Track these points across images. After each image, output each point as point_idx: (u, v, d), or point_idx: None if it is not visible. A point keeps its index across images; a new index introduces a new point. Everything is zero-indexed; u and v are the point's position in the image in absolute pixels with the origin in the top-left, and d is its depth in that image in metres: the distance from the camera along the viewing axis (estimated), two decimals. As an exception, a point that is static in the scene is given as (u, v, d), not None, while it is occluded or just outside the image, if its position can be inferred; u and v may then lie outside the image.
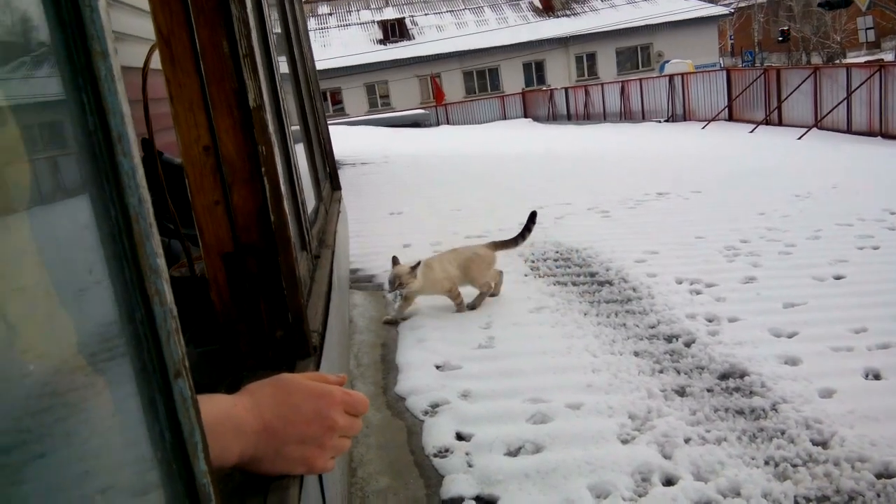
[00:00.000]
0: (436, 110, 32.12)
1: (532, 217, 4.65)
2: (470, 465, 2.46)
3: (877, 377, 3.02)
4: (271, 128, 1.69)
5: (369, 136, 21.93)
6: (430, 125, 29.70)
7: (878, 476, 2.29)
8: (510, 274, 5.08)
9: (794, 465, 2.37)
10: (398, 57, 35.65)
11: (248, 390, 0.96)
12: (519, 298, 4.46)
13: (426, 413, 2.92)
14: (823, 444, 2.49)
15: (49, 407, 0.62)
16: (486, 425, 2.73)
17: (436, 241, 6.31)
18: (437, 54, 35.30)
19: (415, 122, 28.67)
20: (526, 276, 5.02)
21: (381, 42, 37.08)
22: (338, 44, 36.07)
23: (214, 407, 0.88)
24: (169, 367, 0.69)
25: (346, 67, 34.15)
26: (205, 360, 1.63)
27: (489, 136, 21.74)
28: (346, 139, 17.73)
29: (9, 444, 0.53)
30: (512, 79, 35.81)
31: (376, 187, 10.48)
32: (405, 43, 36.91)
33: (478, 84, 36.59)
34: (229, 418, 0.89)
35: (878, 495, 2.20)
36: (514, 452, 2.55)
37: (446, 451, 2.57)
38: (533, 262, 5.39)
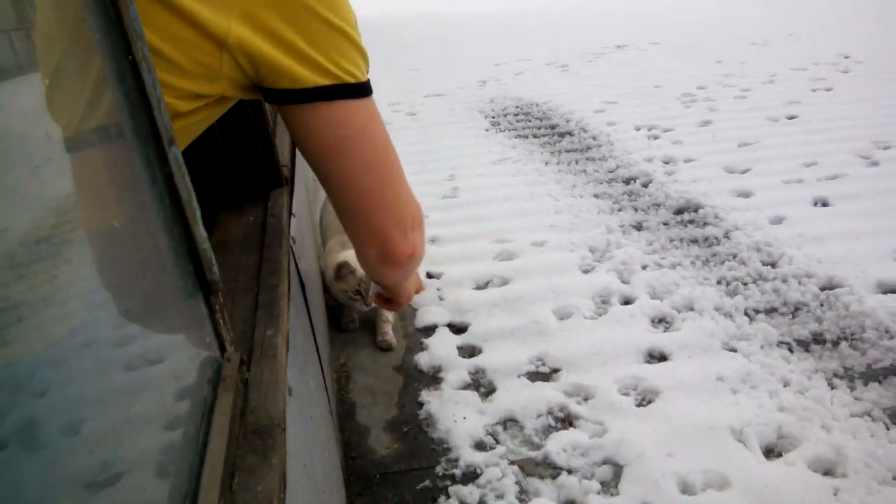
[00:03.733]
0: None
1: None
2: (441, 299, 2.58)
3: (825, 204, 3.17)
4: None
5: None
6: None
7: (823, 288, 2.47)
8: (471, 129, 5.09)
9: (745, 284, 2.54)
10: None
11: None
12: (481, 152, 4.49)
13: (395, 257, 3.00)
14: (773, 265, 2.66)
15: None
16: (454, 265, 2.83)
17: (395, 101, 6.24)
18: None
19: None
20: (487, 130, 5.03)
21: None
22: None
23: None
24: (162, 134, 0.72)
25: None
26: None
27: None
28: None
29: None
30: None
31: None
32: None
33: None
34: None
35: (822, 304, 2.38)
36: (482, 286, 2.68)
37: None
38: (493, 117, 5.39)
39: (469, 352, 2.26)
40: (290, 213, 1.56)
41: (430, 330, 2.39)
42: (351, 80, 1.02)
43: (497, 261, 2.88)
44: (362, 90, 1.04)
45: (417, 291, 1.93)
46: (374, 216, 1.14)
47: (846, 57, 6.40)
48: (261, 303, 1.08)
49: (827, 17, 9.27)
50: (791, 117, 4.60)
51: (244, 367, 0.84)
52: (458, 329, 2.40)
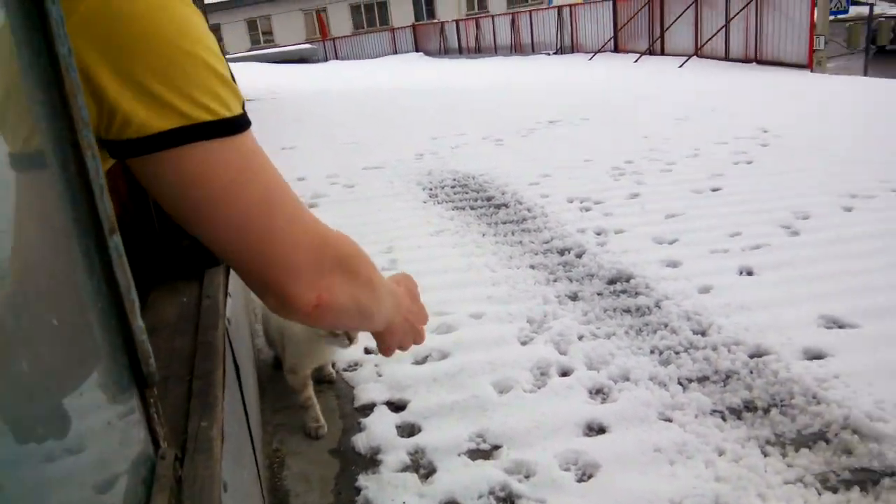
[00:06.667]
0: (324, 45, 31.21)
1: None
2: (379, 375, 2.56)
3: (749, 273, 3.31)
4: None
5: (253, 72, 21.08)
6: (318, 60, 28.85)
7: (752, 356, 2.55)
8: (409, 202, 5.15)
9: (677, 353, 2.60)
10: (281, -10, 34.16)
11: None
12: (419, 223, 4.54)
13: (333, 333, 2.97)
14: (702, 333, 2.74)
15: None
16: (393, 339, 2.81)
17: (333, 172, 6.28)
18: (323, -13, 34.08)
19: (302, 58, 27.75)
20: (425, 202, 5.10)
21: (262, -25, 35.33)
22: (215, -23, 34.07)
23: (385, 282, 0.99)
24: (104, 222, 0.70)
25: (225, 2, 32.44)
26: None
27: (381, 71, 21.41)
28: (230, 76, 16.92)
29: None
30: (401, 13, 34.96)
31: (263, 123, 10.18)
32: (287, -24, 35.35)
33: (366, 18, 35.57)
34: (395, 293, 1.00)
35: (751, 372, 2.45)
36: (421, 361, 2.67)
37: (355, 364, 2.65)
38: (431, 189, 5.47)
39: (408, 430, 2.24)
40: (227, 294, 1.54)
41: (367, 409, 2.35)
42: (209, 117, 0.72)
43: (436, 334, 2.88)
44: (229, 126, 0.74)
45: (416, 341, 1.16)
46: (264, 271, 0.83)
47: (765, 131, 6.77)
48: (194, 391, 1.05)
49: (745, 93, 9.84)
50: (715, 189, 4.82)
51: (178, 463, 0.81)
52: (396, 406, 2.37)
